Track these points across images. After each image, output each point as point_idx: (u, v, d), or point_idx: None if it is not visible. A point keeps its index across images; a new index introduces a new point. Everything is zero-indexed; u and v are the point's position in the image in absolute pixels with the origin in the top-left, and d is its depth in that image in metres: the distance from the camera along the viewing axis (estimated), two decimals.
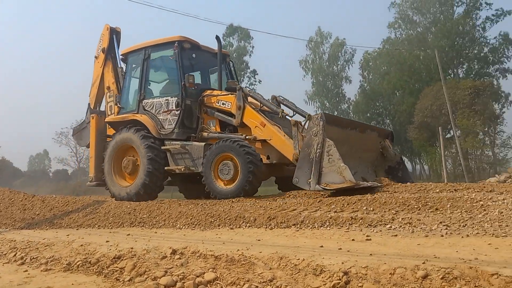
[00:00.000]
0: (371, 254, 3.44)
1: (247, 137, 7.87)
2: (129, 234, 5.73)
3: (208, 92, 8.88)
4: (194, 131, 8.65)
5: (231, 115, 8.36)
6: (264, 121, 7.91)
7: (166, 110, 8.71)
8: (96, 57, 10.45)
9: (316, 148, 6.56)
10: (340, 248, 3.79)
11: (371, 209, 5.19)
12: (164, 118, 8.72)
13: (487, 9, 38.27)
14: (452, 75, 37.51)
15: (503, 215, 4.26)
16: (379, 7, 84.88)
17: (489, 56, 38.38)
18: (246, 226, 5.46)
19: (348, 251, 3.66)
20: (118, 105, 9.56)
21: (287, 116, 7.97)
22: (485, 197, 5.10)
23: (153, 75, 9.60)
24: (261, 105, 8.21)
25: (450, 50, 37.68)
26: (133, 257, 4.11)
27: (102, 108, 10.49)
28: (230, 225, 5.61)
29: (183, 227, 5.98)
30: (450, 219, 4.41)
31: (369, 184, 6.60)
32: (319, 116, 6.79)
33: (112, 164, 9.11)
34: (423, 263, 3.00)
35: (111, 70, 10.09)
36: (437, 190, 5.88)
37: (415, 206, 5.00)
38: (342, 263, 3.21)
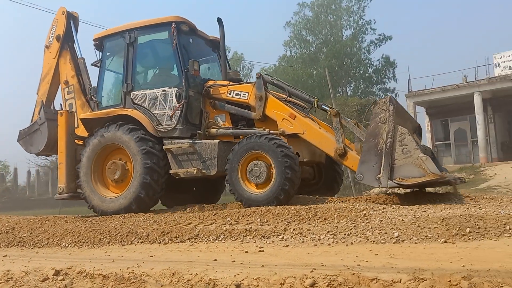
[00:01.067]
0: (263, 265, 3.49)
1: (270, 131, 6.83)
2: (6, 256, 5.20)
3: (212, 82, 7.69)
4: (197, 127, 7.43)
5: (245, 107, 7.35)
6: (294, 112, 6.91)
7: (163, 103, 7.34)
8: (47, 47, 8.90)
9: (386, 137, 5.69)
10: (234, 261, 3.80)
11: (265, 220, 5.30)
12: (161, 113, 7.34)
13: (372, 34, 41.95)
14: (341, 93, 40.22)
15: (383, 223, 4.61)
16: (276, 25, 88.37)
17: (373, 76, 42.01)
18: (138, 242, 5.25)
19: (241, 263, 3.69)
20: (94, 99, 8.04)
21: (323, 106, 7.04)
22: (367, 207, 5.49)
23: (141, 63, 8.14)
24: (288, 94, 7.25)
25: (339, 70, 40.49)
26: (9, 280, 3.75)
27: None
28: (121, 241, 5.35)
29: (69, 245, 5.57)
30: (337, 228, 4.66)
31: (455, 176, 5.97)
32: (387, 100, 5.92)
33: (92, 169, 7.46)
34: (311, 271, 3.12)
35: (69, 61, 8.66)
36: (326, 201, 6.21)
37: (306, 217, 5.20)
38: (235, 275, 3.22)
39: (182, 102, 7.15)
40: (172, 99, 7.28)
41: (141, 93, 7.52)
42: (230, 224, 5.34)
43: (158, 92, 7.42)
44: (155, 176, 7.03)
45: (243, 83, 7.62)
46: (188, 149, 7.05)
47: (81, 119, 7.96)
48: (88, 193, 7.42)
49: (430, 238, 3.99)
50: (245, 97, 7.30)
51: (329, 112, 6.83)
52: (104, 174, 7.54)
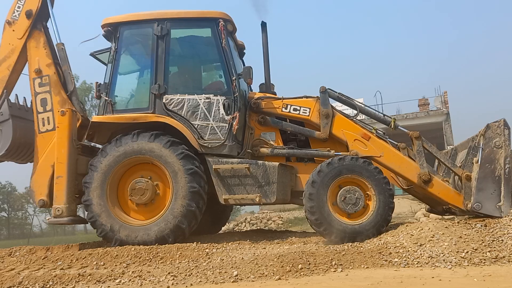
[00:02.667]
0: None
1: (336, 153, 6.25)
2: None
3: (259, 94, 6.81)
4: (241, 145, 6.46)
5: (301, 124, 6.64)
6: (368, 133, 6.34)
7: (207, 113, 6.26)
8: (9, 23, 6.92)
9: (504, 163, 5.49)
10: None
11: (102, 263, 4.95)
12: (203, 125, 6.25)
13: None
14: None
15: (224, 262, 4.65)
16: None
17: None
18: None
19: None
20: (106, 98, 6.44)
21: (399, 127, 6.48)
22: (211, 245, 5.51)
23: (175, 61, 6.86)
24: (357, 112, 6.60)
25: None
26: None
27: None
28: None
29: None
30: (178, 269, 4.55)
31: None
32: (501, 123, 5.64)
33: (108, 186, 6.03)
34: None
35: (43, 46, 6.87)
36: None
37: (147, 258, 5.00)
38: None
39: (236, 114, 6.23)
40: (219, 109, 6.26)
41: (177, 98, 6.32)
42: (62, 269, 4.86)
43: (200, 100, 6.31)
44: (201, 203, 5.99)
45: (301, 97, 6.75)
46: (242, 171, 6.10)
47: (93, 122, 6.47)
48: (102, 217, 5.94)
49: (266, 275, 4.14)
50: (306, 113, 6.57)
51: (410, 134, 6.35)
52: (122, 194, 6.18)
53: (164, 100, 6.31)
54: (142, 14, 6.69)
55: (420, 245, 4.57)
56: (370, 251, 4.70)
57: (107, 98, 6.44)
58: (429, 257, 4.31)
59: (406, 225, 5.48)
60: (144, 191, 6.03)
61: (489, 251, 4.34)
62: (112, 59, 6.57)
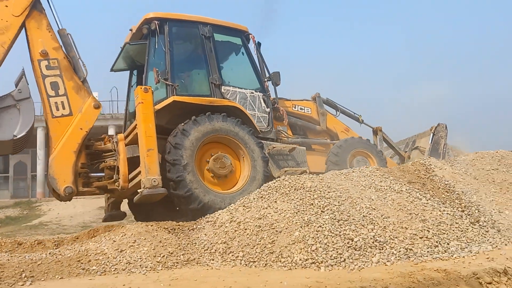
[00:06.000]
0: None
1: (330, 141, 8.82)
2: None
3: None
4: None
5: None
6: (347, 126, 9.08)
7: (252, 104, 7.56)
8: None
9: (442, 147, 9.62)
10: None
11: None
12: (252, 114, 7.43)
13: None
14: None
15: None
16: None
17: None
18: None
19: None
20: (171, 83, 6.92)
21: (364, 122, 9.80)
22: None
23: (220, 59, 7.60)
24: (338, 112, 9.38)
25: None
26: None
27: None
28: None
29: None
30: None
31: None
32: (444, 126, 9.99)
33: (196, 161, 6.53)
34: None
35: (46, 28, 6.39)
36: None
37: None
38: None
39: (275, 106, 8.00)
40: (261, 103, 7.64)
41: (231, 90, 7.43)
42: None
43: (247, 93, 7.56)
44: (270, 171, 7.15)
45: (302, 100, 8.90)
46: (284, 151, 7.68)
47: (176, 101, 6.81)
48: (197, 188, 6.32)
49: None
50: (309, 111, 8.80)
51: (375, 128, 9.82)
52: (202, 168, 6.74)
53: (222, 90, 7.28)
54: (188, 15, 7.58)
55: (120, 251, 4.63)
56: (68, 259, 4.50)
57: (172, 84, 6.95)
58: (127, 263, 4.42)
59: (110, 231, 5.50)
60: (225, 165, 6.72)
61: (182, 254, 4.74)
62: (168, 48, 7.07)
